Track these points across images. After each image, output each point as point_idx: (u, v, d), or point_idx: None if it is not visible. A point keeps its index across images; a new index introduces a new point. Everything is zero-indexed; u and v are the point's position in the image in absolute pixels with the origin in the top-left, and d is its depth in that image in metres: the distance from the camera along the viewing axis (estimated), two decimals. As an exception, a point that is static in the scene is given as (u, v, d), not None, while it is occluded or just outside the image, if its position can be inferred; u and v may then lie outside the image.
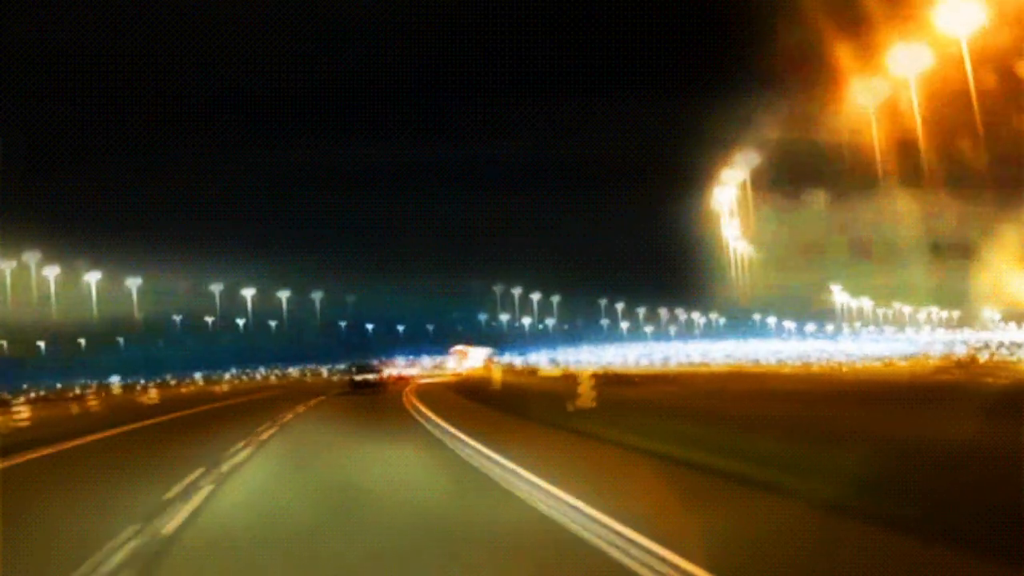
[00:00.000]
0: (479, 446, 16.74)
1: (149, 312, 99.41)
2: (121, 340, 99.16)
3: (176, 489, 12.39)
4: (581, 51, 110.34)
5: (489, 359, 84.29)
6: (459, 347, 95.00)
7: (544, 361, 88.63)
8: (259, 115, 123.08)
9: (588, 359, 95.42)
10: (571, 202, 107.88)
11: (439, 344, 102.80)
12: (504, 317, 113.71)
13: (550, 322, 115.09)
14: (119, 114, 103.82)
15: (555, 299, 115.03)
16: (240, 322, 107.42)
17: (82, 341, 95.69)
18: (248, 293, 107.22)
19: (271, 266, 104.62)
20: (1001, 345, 78.28)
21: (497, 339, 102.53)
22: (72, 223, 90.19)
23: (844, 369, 61.63)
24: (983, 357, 62.27)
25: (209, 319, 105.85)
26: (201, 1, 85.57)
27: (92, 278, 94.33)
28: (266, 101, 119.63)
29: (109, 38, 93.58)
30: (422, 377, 77.36)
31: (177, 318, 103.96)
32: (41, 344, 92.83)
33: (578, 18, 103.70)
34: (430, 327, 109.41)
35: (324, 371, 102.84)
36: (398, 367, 79.28)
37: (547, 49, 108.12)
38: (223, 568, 8.26)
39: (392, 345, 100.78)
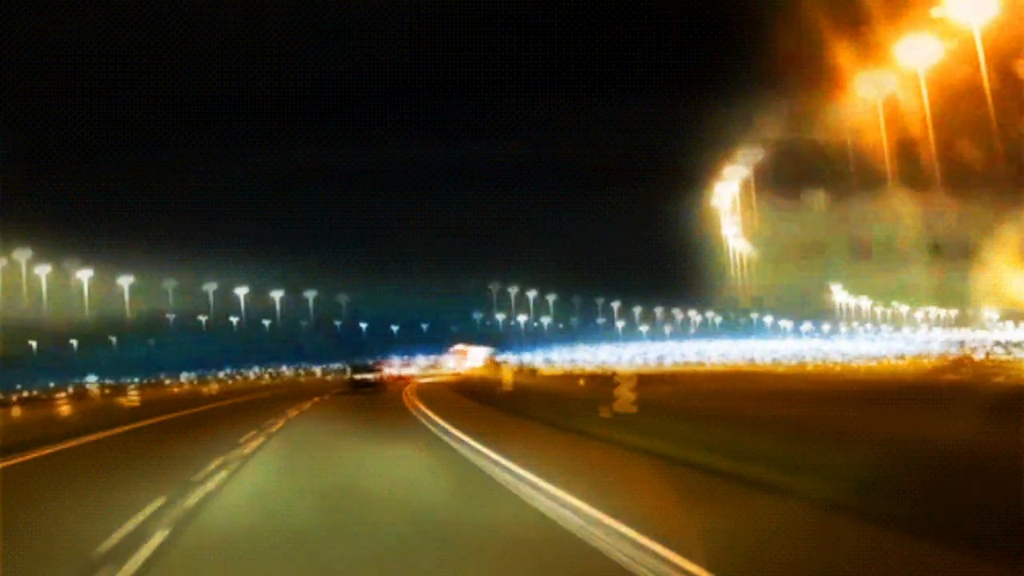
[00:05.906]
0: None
1: (143, 311, 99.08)
2: (114, 339, 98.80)
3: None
4: (581, 51, 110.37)
5: (490, 357, 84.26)
6: (459, 346, 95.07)
7: (539, 361, 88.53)
8: (259, 115, 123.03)
9: (584, 358, 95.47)
10: (571, 202, 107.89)
11: (438, 343, 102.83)
12: (500, 317, 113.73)
13: (547, 321, 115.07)
14: (119, 114, 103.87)
15: (553, 299, 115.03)
16: (234, 320, 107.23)
17: (74, 342, 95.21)
18: (245, 293, 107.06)
19: (270, 266, 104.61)
20: (997, 344, 78.25)
21: (496, 339, 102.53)
22: (71, 223, 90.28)
23: (838, 368, 61.60)
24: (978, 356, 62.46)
25: (203, 318, 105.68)
26: (201, 1, 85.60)
27: (85, 277, 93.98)
28: (266, 101, 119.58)
29: (109, 38, 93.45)
30: (422, 377, 77.27)
31: (172, 317, 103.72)
32: (33, 343, 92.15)
33: (578, 18, 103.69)
34: (429, 326, 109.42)
35: (318, 371, 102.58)
36: (397, 367, 79.19)
37: (547, 49, 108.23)
38: (222, 569, 8.25)
39: (389, 344, 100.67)
